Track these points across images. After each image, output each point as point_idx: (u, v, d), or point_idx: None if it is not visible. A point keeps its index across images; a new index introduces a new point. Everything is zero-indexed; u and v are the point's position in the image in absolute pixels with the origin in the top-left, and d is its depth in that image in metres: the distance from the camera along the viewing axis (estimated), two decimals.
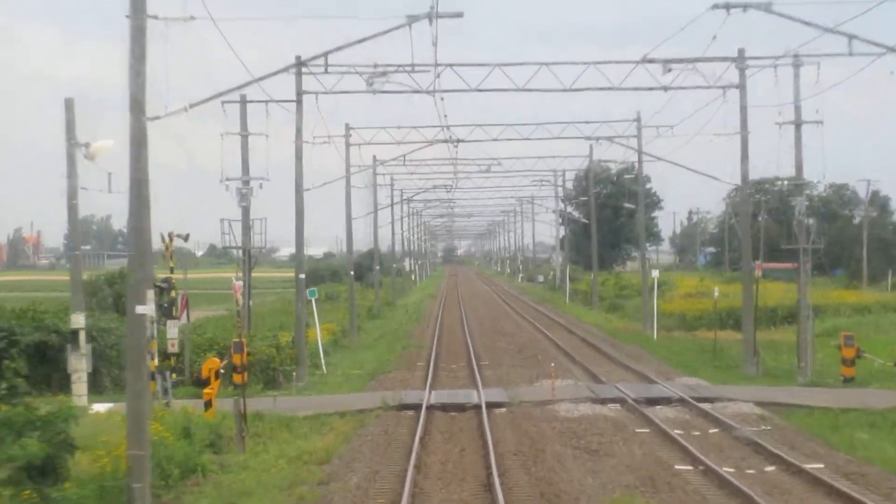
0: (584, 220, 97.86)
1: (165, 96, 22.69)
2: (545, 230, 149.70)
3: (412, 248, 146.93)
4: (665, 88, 40.36)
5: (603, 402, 29.97)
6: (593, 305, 79.89)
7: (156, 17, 18.76)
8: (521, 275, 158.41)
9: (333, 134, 52.32)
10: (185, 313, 32.74)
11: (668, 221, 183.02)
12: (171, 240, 33.15)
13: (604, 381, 34.68)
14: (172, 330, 32.38)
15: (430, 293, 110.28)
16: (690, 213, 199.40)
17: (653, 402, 29.71)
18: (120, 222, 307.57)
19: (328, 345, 51.17)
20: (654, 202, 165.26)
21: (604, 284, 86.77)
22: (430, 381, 35.35)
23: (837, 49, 35.52)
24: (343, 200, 62.27)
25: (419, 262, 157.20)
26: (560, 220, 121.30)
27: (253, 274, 43.30)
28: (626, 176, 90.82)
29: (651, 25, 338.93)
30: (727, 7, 34.81)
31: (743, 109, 40.67)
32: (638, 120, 58.09)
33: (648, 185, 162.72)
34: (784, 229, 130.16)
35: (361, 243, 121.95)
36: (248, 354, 37.01)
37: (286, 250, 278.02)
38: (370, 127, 59.84)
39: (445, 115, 46.18)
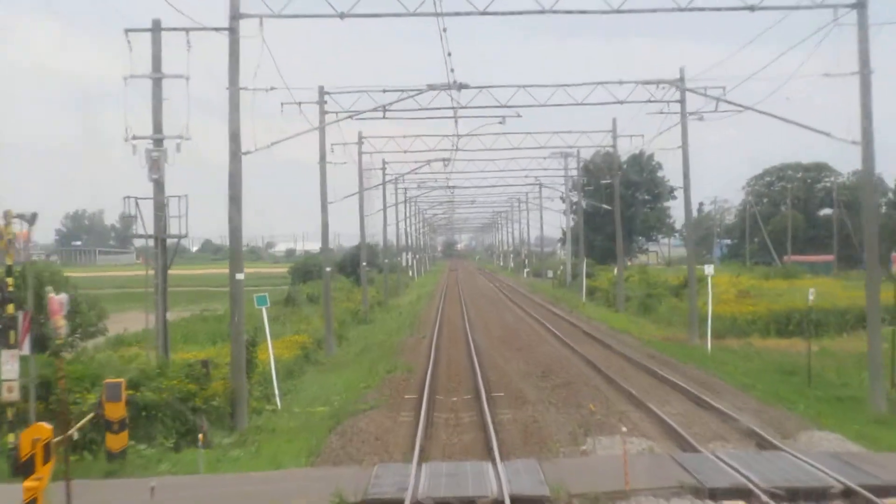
0: (603, 206, 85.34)
1: None
2: (550, 221, 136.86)
3: (409, 241, 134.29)
4: (752, 8, 28.02)
5: (714, 497, 17.25)
6: (618, 307, 67.31)
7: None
8: (526, 269, 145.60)
9: (301, 101, 43.53)
10: (26, 340, 20.15)
11: (680, 212, 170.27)
12: (7, 223, 20.65)
13: (690, 440, 21.93)
14: (9, 366, 20.08)
15: (429, 291, 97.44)
16: (701, 204, 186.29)
17: (796, 495, 17.07)
18: (112, 217, 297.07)
19: (294, 364, 38.88)
20: (667, 191, 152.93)
21: (627, 281, 73.98)
22: (419, 438, 22.57)
23: None
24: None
25: (417, 256, 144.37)
26: (572, 206, 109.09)
27: (244, 270, 30.87)
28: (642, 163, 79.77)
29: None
30: None
31: (863, 34, 27.84)
32: (681, 80, 46.54)
33: (661, 174, 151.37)
34: (807, 219, 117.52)
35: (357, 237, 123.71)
36: (158, 391, 24.75)
37: (283, 245, 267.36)
38: (349, 91, 44.72)
39: (450, 53, 32.30)
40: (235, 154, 27.41)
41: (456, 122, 48.28)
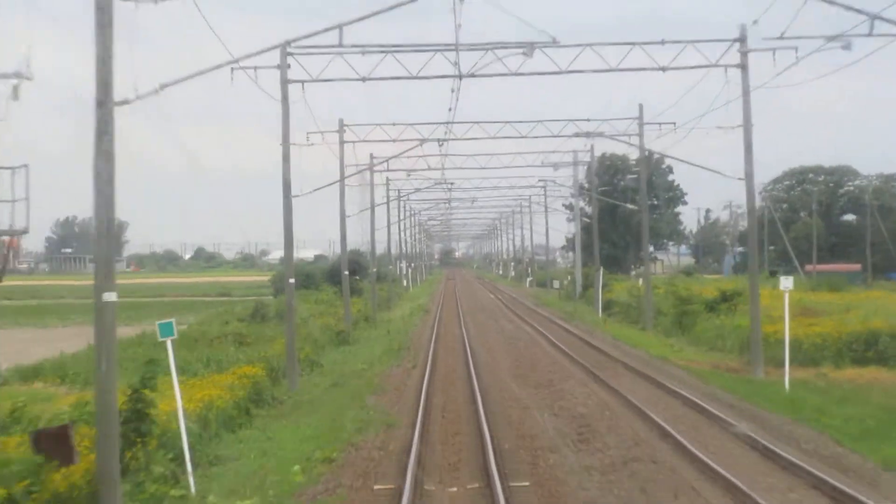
0: (619, 204, 75.35)
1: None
2: (551, 227, 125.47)
3: (404, 249, 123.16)
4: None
5: None
6: (645, 325, 56.17)
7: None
8: (528, 279, 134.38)
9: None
10: None
11: (689, 218, 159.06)
12: None
13: None
14: None
15: (423, 304, 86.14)
16: (709, 210, 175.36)
17: None
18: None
19: (237, 409, 28.07)
20: (677, 196, 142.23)
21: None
22: None
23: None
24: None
25: (412, 264, 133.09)
26: (582, 209, 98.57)
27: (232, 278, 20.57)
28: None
29: (645, 22, 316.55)
30: None
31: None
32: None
33: (671, 178, 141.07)
34: (828, 226, 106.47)
35: (354, 245, 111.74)
36: None
37: (277, 253, 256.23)
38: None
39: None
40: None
41: (457, 94, 38.19)
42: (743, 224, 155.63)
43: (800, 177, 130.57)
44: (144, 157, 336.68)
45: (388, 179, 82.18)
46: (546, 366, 37.69)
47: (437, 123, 51.54)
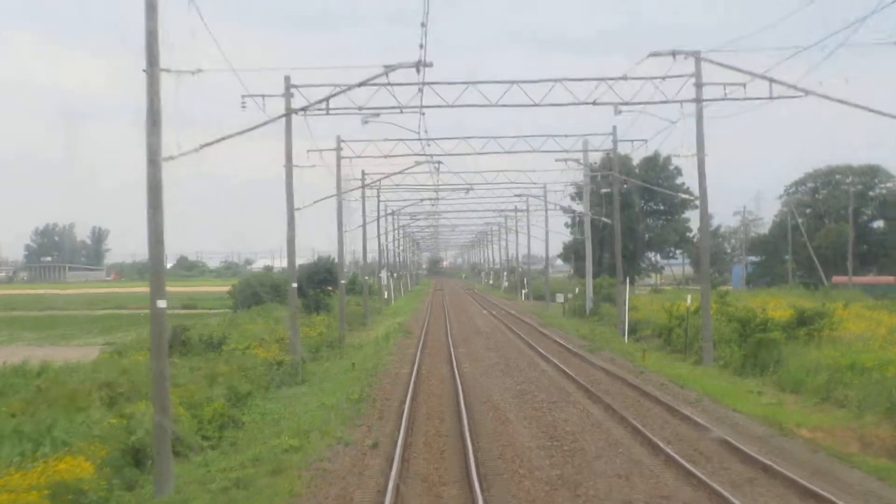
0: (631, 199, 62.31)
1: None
2: (541, 235, 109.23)
3: (386, 258, 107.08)
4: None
5: None
6: (701, 358, 40.17)
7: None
8: (524, 291, 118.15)
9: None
10: None
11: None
12: None
13: None
14: None
15: (406, 322, 69.72)
16: (712, 216, 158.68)
17: None
18: (83, 232, 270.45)
19: None
20: (686, 201, 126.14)
21: (697, 314, 46.53)
22: None
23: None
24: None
25: (394, 274, 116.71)
26: (579, 209, 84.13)
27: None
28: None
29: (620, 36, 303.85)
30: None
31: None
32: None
33: (680, 180, 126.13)
34: (858, 233, 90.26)
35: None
36: None
37: (262, 262, 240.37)
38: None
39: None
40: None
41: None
42: (755, 231, 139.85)
43: (825, 178, 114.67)
44: (128, 165, 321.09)
45: (363, 172, 66.51)
46: (600, 450, 21.50)
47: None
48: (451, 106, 37.89)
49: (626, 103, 38.52)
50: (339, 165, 54.20)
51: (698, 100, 39.30)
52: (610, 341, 49.95)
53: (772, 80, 32.75)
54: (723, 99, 36.89)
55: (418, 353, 44.39)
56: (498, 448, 21.62)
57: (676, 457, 19.63)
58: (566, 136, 56.34)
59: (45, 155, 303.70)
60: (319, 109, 34.79)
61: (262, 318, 62.98)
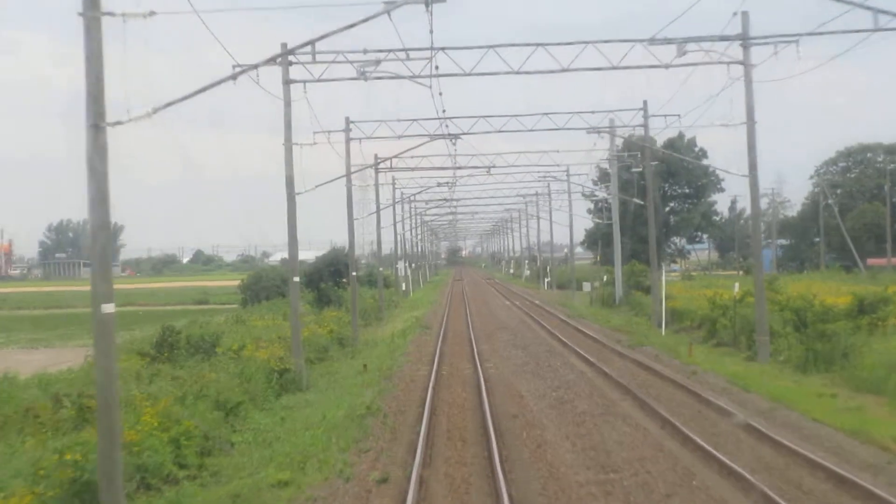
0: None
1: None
2: (561, 220, 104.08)
3: (405, 247, 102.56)
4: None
5: None
6: (756, 354, 35.29)
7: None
8: (546, 279, 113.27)
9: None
10: None
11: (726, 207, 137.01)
12: None
13: None
14: None
15: (424, 315, 64.97)
16: (734, 200, 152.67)
17: None
18: None
19: None
20: (712, 183, 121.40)
21: (743, 302, 41.63)
22: None
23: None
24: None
25: (413, 265, 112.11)
26: (604, 194, 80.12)
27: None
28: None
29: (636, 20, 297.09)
30: None
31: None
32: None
33: (706, 161, 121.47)
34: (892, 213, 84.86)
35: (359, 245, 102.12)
36: None
37: (279, 255, 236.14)
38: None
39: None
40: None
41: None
42: (783, 214, 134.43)
43: (857, 156, 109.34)
44: (142, 160, 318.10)
45: (375, 157, 61.84)
46: (670, 485, 16.68)
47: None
48: (468, 74, 33.79)
49: (668, 65, 33.91)
50: (347, 147, 49.68)
51: (746, 64, 34.62)
52: (647, 334, 45.14)
53: (877, 11, 28.09)
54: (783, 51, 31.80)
55: (437, 352, 39.75)
56: (538, 483, 16.96)
57: (775, 497, 14.86)
58: (593, 112, 52.02)
59: (60, 152, 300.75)
60: (308, 54, 32.18)
61: (271, 313, 58.72)
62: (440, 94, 34.78)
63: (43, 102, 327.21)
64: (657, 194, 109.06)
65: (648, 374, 30.88)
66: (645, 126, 52.91)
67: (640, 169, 70.86)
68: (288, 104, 33.48)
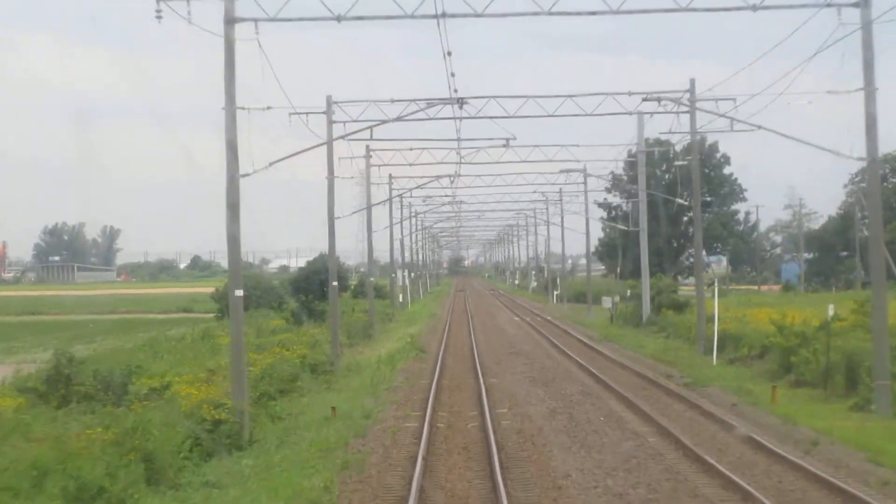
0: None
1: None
2: (568, 229, 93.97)
3: (403, 255, 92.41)
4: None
5: None
6: (863, 403, 25.43)
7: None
8: (555, 292, 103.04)
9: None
10: None
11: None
12: None
13: None
14: None
15: (421, 332, 54.84)
16: (748, 213, 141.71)
17: None
18: (94, 231, 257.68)
19: None
20: (734, 192, 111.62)
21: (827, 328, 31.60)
22: None
23: None
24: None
25: (412, 274, 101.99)
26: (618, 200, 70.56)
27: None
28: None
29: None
30: None
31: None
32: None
33: (728, 170, 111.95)
34: None
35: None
36: None
37: (278, 261, 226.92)
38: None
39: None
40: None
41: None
42: (808, 226, 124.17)
43: (893, 164, 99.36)
44: (141, 163, 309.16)
45: (367, 148, 52.34)
46: None
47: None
48: (480, 16, 26.12)
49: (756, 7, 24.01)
50: (329, 130, 39.95)
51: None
52: (698, 366, 35.17)
53: None
54: None
55: (433, 388, 29.77)
56: None
57: None
58: (629, 93, 41.67)
59: (57, 155, 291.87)
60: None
61: (245, 325, 48.86)
62: (449, 54, 28.02)
63: (41, 104, 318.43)
64: (676, 203, 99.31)
65: (736, 442, 20.78)
66: (692, 111, 42.33)
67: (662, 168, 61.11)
68: (231, 46, 23.69)
